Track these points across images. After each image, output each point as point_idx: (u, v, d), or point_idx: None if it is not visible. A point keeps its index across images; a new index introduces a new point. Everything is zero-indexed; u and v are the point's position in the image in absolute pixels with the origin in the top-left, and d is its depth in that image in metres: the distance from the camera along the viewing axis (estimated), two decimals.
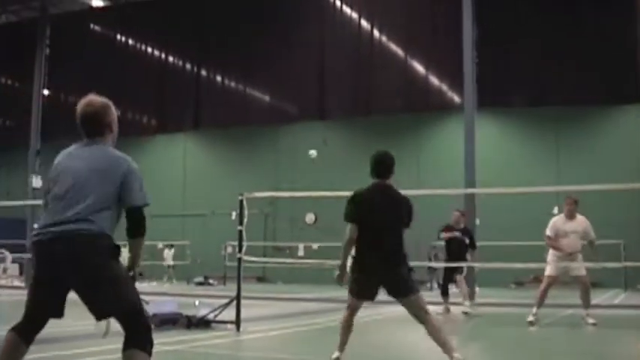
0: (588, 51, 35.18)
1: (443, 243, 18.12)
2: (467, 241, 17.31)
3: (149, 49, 47.22)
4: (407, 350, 10.99)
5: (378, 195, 8.75)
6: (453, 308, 17.04)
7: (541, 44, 36.05)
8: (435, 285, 31.67)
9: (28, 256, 34.30)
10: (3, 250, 36.02)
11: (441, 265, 19.01)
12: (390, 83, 40.02)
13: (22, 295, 5.68)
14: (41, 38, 42.38)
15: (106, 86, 45.45)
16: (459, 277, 16.99)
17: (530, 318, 14.08)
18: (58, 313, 5.44)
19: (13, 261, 36.61)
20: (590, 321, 13.95)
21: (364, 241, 8.21)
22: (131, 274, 5.54)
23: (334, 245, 33.38)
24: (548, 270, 14.43)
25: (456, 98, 37.40)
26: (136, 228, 5.46)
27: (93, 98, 5.88)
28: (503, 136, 36.92)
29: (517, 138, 37.10)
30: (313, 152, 21.08)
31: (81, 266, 5.19)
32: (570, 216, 14.44)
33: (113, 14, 46.92)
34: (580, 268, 14.35)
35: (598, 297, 23.45)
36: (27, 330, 5.41)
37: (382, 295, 8.27)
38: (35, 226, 5.47)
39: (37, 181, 38.87)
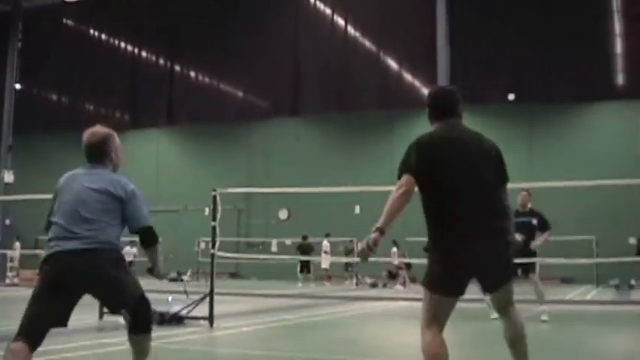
0: (562, 48, 35.36)
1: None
2: (534, 222, 14.85)
3: (122, 44, 46.98)
4: (376, 345, 10.99)
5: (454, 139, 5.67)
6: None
7: (515, 41, 36.19)
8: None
9: None
10: None
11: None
12: (363, 80, 40.04)
13: None
14: (14, 32, 42.19)
15: (78, 81, 45.50)
16: (533, 276, 14.31)
17: None
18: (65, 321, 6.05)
19: None
20: None
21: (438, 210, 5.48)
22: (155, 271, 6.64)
23: (308, 241, 33.38)
24: None
25: None
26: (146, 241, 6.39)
27: (97, 129, 6.58)
28: None
29: (491, 135, 36.84)
30: None
31: (98, 277, 5.99)
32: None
33: (86, 9, 46.58)
34: None
35: (570, 293, 23.64)
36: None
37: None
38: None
39: (8, 176, 38.64)
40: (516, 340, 5.56)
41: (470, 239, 5.22)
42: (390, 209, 5.35)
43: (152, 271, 6.66)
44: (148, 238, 6.35)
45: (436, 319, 5.23)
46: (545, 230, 14.56)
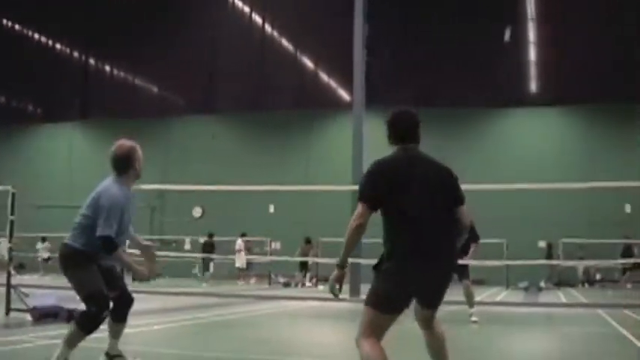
0: (476, 54, 35.94)
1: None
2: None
3: (36, 36, 46.17)
4: (290, 345, 11.01)
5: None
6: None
7: (431, 45, 36.61)
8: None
9: None
10: None
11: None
12: (280, 79, 40.08)
13: None
14: None
15: None
16: (467, 282, 14.79)
17: None
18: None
19: None
20: None
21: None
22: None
23: (222, 239, 33.18)
24: None
25: (346, 96, 37.68)
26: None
27: (122, 143, 7.56)
28: None
29: None
30: None
31: (60, 265, 7.34)
32: None
33: None
34: None
35: (481, 294, 24.01)
36: None
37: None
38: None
39: None
40: (439, 350, 5.80)
41: (420, 261, 5.35)
42: (347, 245, 5.50)
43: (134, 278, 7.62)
44: (103, 248, 7.05)
45: (376, 332, 5.33)
46: (475, 241, 14.89)
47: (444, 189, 5.63)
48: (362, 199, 5.48)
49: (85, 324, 7.10)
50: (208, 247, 32.50)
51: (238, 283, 32.38)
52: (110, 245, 7.06)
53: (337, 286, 5.58)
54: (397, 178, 5.51)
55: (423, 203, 5.44)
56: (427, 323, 5.76)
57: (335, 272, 5.56)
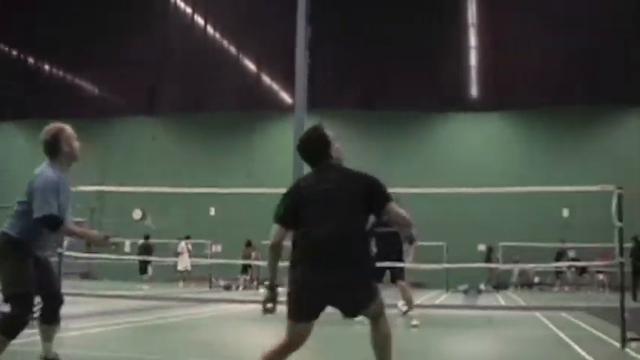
0: (419, 58, 36.16)
1: None
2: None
3: None
4: (233, 347, 10.94)
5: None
6: None
7: (373, 48, 36.73)
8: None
9: None
10: None
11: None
12: (222, 80, 39.91)
13: None
14: None
15: None
16: (401, 282, 14.57)
17: None
18: None
19: None
20: None
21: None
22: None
23: (162, 242, 32.85)
24: None
25: (289, 98, 37.65)
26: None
27: (49, 127, 7.39)
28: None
29: (348, 140, 37.59)
30: None
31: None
32: None
33: None
34: None
35: (421, 297, 24.11)
36: None
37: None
38: None
39: None
40: (381, 347, 5.84)
41: (323, 270, 5.56)
42: (269, 265, 5.88)
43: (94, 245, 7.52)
44: (47, 227, 6.97)
45: (293, 339, 5.75)
46: (410, 243, 14.91)
47: (359, 196, 5.80)
48: (274, 220, 5.86)
49: (7, 328, 6.85)
50: (145, 250, 32.09)
51: (180, 285, 32.14)
52: (53, 222, 6.96)
53: (270, 306, 5.89)
54: (302, 196, 5.81)
55: (328, 218, 5.65)
56: (372, 320, 5.82)
57: (266, 293, 5.89)
